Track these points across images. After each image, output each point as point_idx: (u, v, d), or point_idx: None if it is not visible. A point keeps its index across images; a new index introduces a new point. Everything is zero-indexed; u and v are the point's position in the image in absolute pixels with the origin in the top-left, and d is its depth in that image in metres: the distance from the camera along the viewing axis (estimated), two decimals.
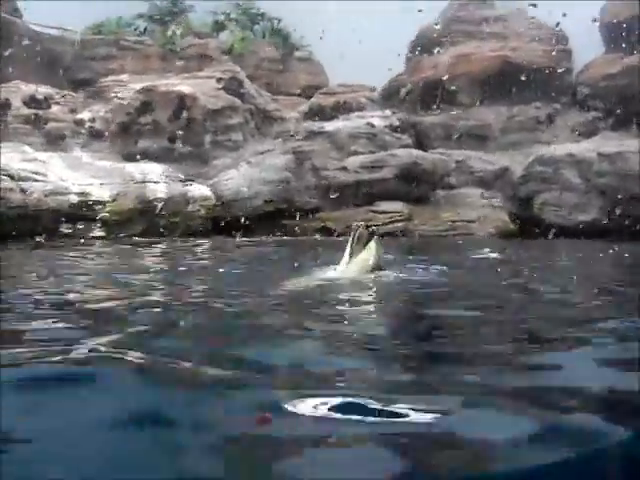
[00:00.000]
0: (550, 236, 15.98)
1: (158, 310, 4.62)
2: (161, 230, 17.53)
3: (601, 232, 17.61)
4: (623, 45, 21.20)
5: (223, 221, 18.47)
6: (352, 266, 6.45)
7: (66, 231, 16.32)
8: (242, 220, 17.75)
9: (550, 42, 23.77)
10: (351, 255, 6.45)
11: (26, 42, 23.08)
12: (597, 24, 23.31)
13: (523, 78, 21.60)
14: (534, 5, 19.86)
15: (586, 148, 19.90)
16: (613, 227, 17.41)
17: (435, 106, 23.29)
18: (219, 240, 16.93)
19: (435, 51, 23.68)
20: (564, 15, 18.51)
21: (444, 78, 22.19)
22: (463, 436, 1.98)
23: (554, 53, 23.10)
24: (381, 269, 6.51)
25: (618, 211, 17.87)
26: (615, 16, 22.77)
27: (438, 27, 23.88)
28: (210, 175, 20.93)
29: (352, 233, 6.58)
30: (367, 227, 6.68)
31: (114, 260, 11.22)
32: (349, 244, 6.52)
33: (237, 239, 15.96)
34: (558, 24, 22.54)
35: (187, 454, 1.87)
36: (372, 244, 6.48)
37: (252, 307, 4.75)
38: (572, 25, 22.06)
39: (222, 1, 28.63)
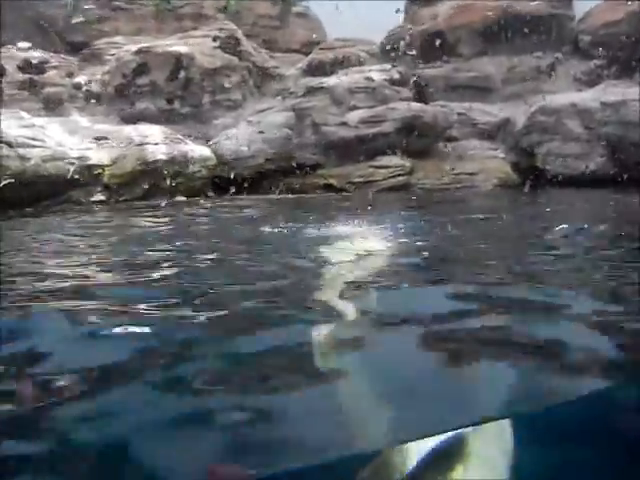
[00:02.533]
0: (556, 186, 15.94)
1: None
2: (163, 192, 17.48)
3: (605, 181, 17.52)
4: None
5: (224, 181, 18.38)
6: None
7: (65, 196, 16.22)
8: (243, 179, 17.69)
9: None
10: None
11: (18, 6, 22.78)
12: None
13: (524, 27, 21.30)
14: None
15: (589, 97, 19.66)
16: (617, 176, 17.30)
17: (435, 58, 23.01)
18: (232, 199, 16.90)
19: (433, 2, 23.35)
20: None
21: (444, 29, 21.90)
22: None
23: (554, 1, 22.77)
24: None
25: (622, 159, 17.77)
26: None
27: None
28: (210, 135, 20.79)
29: None
30: None
31: None
32: None
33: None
34: None
35: None
36: None
37: None
38: None
39: None
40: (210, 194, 18.43)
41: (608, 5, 22.67)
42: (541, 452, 2.23)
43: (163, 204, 14.71)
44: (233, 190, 16.96)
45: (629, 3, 21.05)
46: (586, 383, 2.33)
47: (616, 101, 18.57)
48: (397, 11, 21.58)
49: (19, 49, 22.14)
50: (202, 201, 16.50)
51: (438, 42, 22.83)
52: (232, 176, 18.14)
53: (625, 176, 15.85)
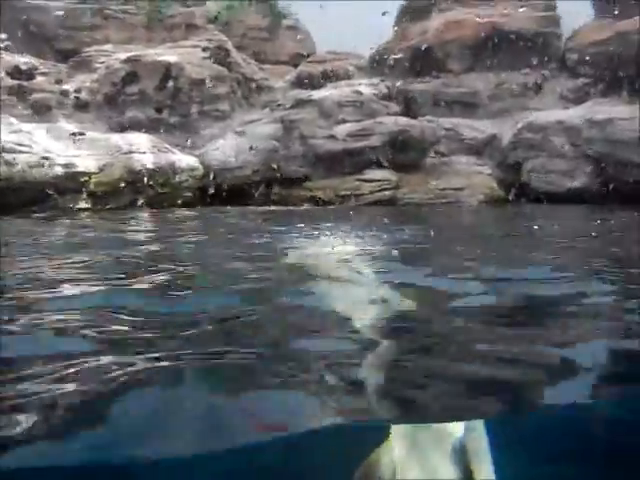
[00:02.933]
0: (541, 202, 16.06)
1: None
2: (149, 201, 17.49)
3: (590, 198, 17.66)
4: (614, 11, 21.02)
5: (211, 191, 18.40)
6: None
7: (51, 203, 16.16)
8: (230, 190, 17.71)
9: (539, 8, 23.55)
10: None
11: (9, 12, 22.78)
12: None
13: (512, 44, 21.47)
14: None
15: (575, 114, 19.80)
16: (602, 193, 17.45)
17: (424, 73, 23.13)
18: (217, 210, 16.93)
19: (423, 18, 23.47)
20: None
21: (433, 44, 22.01)
22: None
23: (542, 19, 22.98)
24: None
25: (607, 177, 17.90)
26: None
27: None
28: (198, 145, 20.79)
29: None
30: None
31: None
32: None
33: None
34: None
35: None
36: None
37: None
38: None
39: None
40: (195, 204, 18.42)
41: (596, 24, 22.87)
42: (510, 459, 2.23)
43: (146, 213, 14.71)
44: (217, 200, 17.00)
45: (617, 22, 21.25)
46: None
47: (603, 119, 18.70)
48: (384, 14, 21.60)
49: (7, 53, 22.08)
50: (177, 210, 16.56)
51: (427, 57, 22.96)
52: (213, 189, 18.21)
53: (610, 193, 16.02)
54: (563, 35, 23.68)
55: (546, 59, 22.28)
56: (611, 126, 18.48)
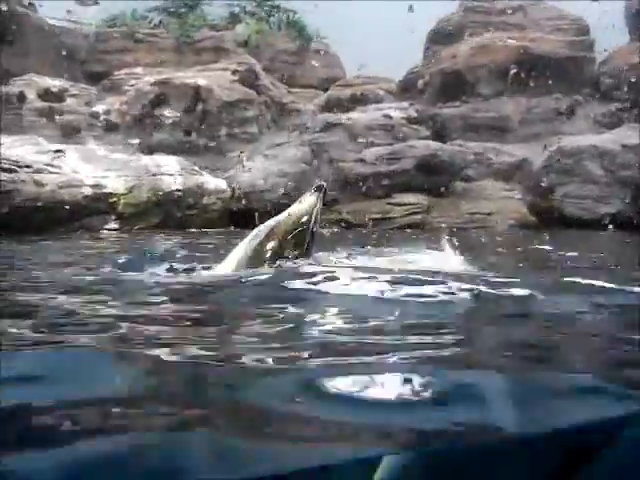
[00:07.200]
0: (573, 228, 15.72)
1: None
2: (177, 222, 17.40)
3: (624, 224, 17.29)
4: None
5: (239, 214, 18.27)
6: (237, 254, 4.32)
7: (80, 224, 16.12)
8: (258, 212, 17.55)
9: (571, 32, 23.40)
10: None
11: (40, 35, 23.01)
12: (622, 13, 22.90)
13: (543, 69, 21.26)
14: None
15: (609, 139, 19.49)
16: (637, 219, 17.08)
17: (454, 98, 22.97)
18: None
19: (454, 42, 23.38)
20: None
21: (463, 68, 21.88)
22: None
23: (575, 44, 22.79)
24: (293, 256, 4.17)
25: None
26: None
27: (457, 18, 23.56)
28: (226, 168, 20.74)
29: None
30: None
31: None
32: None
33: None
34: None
35: None
36: (304, 207, 4.44)
37: None
38: (594, 14, 21.70)
39: None
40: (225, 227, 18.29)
41: (630, 48, 22.62)
42: None
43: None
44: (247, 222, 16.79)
45: None
46: None
47: (637, 144, 18.38)
48: (410, 8, 21.45)
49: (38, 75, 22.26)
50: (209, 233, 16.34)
51: (457, 81, 22.82)
52: (245, 210, 18.06)
53: None
54: (597, 59, 23.45)
55: (579, 83, 22.05)
56: None
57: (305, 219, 4.40)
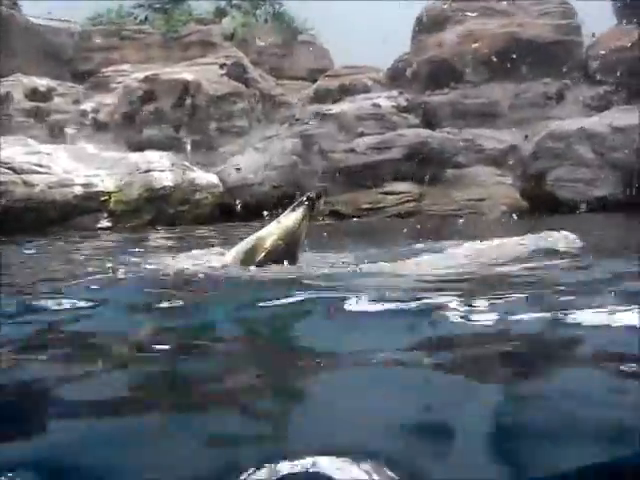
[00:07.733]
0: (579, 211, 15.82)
1: None
2: (169, 218, 17.34)
3: (616, 207, 17.32)
4: (635, 19, 20.75)
5: (231, 208, 18.22)
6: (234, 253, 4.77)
7: (71, 223, 16.06)
8: (250, 206, 17.50)
9: (557, 15, 23.32)
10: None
11: (26, 35, 22.88)
12: None
13: (531, 54, 21.20)
14: None
15: (598, 122, 19.50)
16: (629, 201, 17.10)
17: (442, 85, 22.92)
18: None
19: (439, 30, 23.30)
20: None
21: (450, 56, 21.83)
22: None
23: (562, 27, 22.72)
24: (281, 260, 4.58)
25: (633, 184, 17.57)
26: None
27: (444, 5, 23.49)
28: (217, 162, 20.68)
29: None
30: (318, 196, 5.03)
31: None
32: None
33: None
34: None
35: None
36: (291, 218, 4.77)
37: None
38: None
39: None
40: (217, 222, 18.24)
41: (618, 31, 22.60)
42: None
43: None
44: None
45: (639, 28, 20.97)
46: None
47: (626, 126, 18.39)
48: None
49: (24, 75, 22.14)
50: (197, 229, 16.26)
51: (445, 69, 22.77)
52: (236, 205, 17.99)
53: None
54: (584, 43, 23.39)
55: (567, 67, 21.99)
56: (635, 133, 18.17)
57: (292, 230, 4.72)
